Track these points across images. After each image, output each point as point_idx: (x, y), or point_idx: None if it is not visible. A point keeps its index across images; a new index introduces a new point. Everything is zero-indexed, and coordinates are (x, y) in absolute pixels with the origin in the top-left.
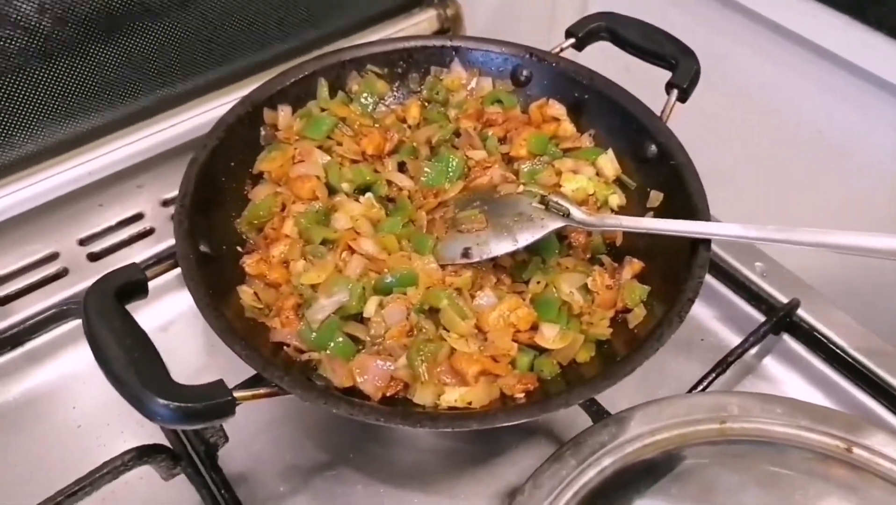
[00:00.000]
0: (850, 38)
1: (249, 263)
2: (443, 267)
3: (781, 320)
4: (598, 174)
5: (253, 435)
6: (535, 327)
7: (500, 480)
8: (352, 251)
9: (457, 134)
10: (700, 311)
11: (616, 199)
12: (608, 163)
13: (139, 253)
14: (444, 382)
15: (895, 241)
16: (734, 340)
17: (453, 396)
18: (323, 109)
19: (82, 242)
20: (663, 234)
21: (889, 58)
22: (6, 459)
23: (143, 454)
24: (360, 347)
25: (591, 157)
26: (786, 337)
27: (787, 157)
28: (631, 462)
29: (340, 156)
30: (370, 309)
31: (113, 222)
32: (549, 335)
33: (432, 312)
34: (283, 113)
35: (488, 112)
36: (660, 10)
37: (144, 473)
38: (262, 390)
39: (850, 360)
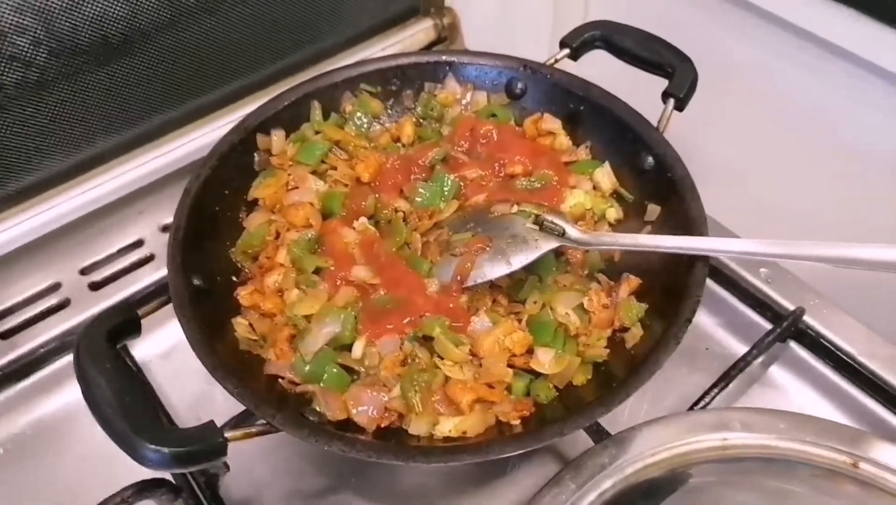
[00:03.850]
0: (858, 32)
1: (243, 295)
2: None
3: (787, 328)
4: (595, 187)
5: (254, 461)
6: (530, 351)
7: (503, 500)
8: (346, 281)
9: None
10: (704, 319)
11: (613, 212)
12: (605, 176)
13: (139, 280)
14: (439, 412)
15: None
16: (739, 348)
17: (448, 426)
18: (317, 132)
19: (84, 272)
20: (660, 251)
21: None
22: (12, 492)
23: (144, 488)
24: (355, 378)
25: (587, 170)
26: (792, 345)
27: (797, 155)
28: (633, 483)
29: (335, 181)
30: (362, 341)
31: (114, 250)
32: (545, 360)
33: (426, 340)
34: (277, 137)
35: (482, 125)
36: (665, 9)
37: None
38: (253, 429)
39: (858, 367)
